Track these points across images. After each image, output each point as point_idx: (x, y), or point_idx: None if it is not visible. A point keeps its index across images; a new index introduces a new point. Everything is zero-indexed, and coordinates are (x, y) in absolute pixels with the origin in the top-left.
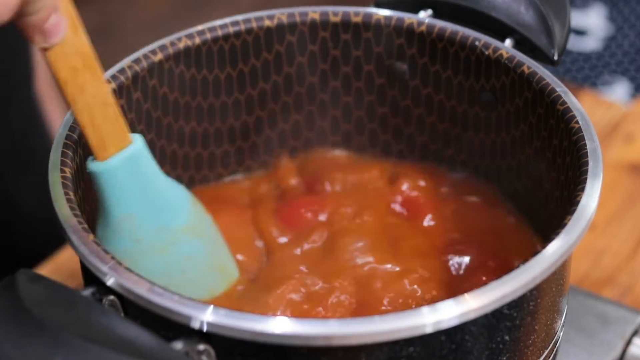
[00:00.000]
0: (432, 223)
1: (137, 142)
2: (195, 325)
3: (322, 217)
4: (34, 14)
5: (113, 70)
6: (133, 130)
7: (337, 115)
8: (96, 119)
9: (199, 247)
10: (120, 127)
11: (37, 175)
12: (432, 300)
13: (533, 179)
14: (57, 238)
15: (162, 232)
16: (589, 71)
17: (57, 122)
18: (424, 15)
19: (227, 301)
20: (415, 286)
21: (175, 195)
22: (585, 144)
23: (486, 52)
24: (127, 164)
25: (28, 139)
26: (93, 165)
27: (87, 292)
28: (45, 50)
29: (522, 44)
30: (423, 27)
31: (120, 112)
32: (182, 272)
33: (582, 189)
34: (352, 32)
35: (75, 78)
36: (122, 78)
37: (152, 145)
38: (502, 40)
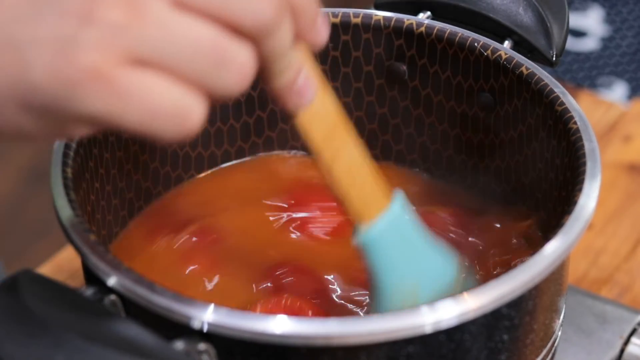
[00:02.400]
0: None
1: (398, 201)
2: (196, 325)
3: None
4: (281, 76)
5: None
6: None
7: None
8: (356, 182)
9: None
10: (380, 188)
11: None
12: None
13: (531, 179)
14: None
15: (436, 295)
16: (587, 72)
17: None
18: (423, 16)
19: None
20: None
21: (440, 256)
22: (583, 145)
23: (485, 53)
24: (391, 228)
25: None
26: (360, 238)
27: (88, 292)
28: (296, 116)
29: (521, 45)
30: (422, 28)
31: (377, 172)
32: None
33: (581, 189)
34: (351, 33)
35: (331, 142)
36: None
37: (153, 146)
38: (501, 41)
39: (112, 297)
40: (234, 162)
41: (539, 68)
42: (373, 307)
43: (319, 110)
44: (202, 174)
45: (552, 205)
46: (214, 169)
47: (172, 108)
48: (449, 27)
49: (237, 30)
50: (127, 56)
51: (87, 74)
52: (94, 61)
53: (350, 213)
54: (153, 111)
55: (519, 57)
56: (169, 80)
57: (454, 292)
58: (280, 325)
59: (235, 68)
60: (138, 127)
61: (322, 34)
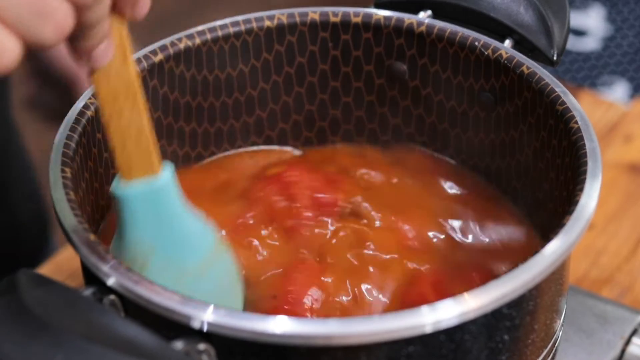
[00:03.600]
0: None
1: (164, 176)
2: (196, 324)
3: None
4: (87, 40)
5: None
6: None
7: (337, 115)
8: (127, 144)
9: (207, 289)
10: (149, 158)
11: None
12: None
13: (532, 179)
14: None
15: (171, 266)
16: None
17: (33, 146)
18: (424, 15)
19: None
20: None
21: (195, 235)
22: (584, 144)
23: (486, 53)
24: (147, 195)
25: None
26: (114, 188)
27: (88, 291)
28: (91, 73)
29: (522, 44)
30: (423, 28)
31: (155, 146)
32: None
33: (581, 189)
34: (352, 32)
35: (114, 102)
36: None
37: None
38: (502, 40)
39: (112, 297)
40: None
41: (540, 67)
42: (113, 249)
43: (111, 75)
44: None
45: (553, 205)
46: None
47: None
48: (449, 27)
49: None
50: None
51: None
52: None
53: (117, 166)
54: None
55: (519, 57)
56: None
57: (202, 270)
58: (280, 325)
59: (53, 22)
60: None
61: (139, 12)
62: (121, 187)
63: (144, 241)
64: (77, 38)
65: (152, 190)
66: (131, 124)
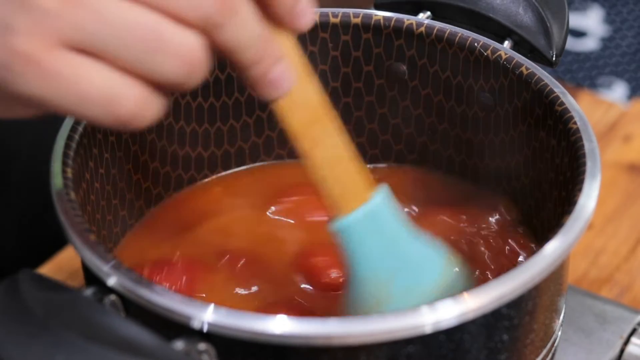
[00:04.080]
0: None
1: (380, 194)
2: (196, 325)
3: None
4: (251, 65)
5: None
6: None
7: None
8: (336, 173)
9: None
10: (361, 181)
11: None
12: None
13: (531, 180)
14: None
15: (410, 293)
16: (587, 72)
17: None
18: (423, 16)
19: None
20: None
21: (425, 252)
22: (583, 145)
23: (485, 53)
24: (368, 219)
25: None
26: (334, 227)
27: (88, 291)
28: (273, 103)
29: (521, 45)
30: (422, 28)
31: (361, 165)
32: None
33: (580, 189)
34: (351, 33)
35: (310, 131)
36: None
37: (153, 146)
38: (501, 41)
39: (112, 297)
40: (234, 169)
41: (539, 68)
42: (346, 298)
43: (297, 99)
44: (206, 180)
45: (552, 205)
46: (216, 175)
47: (100, 93)
48: (448, 27)
49: (182, 20)
50: (61, 41)
51: (20, 57)
52: (27, 45)
53: (327, 203)
54: (82, 95)
55: (518, 57)
56: (102, 65)
57: (441, 291)
58: (280, 325)
59: (175, 55)
60: (71, 110)
61: (303, 19)
62: (342, 219)
63: (379, 273)
64: (240, 68)
65: (370, 211)
66: (332, 149)
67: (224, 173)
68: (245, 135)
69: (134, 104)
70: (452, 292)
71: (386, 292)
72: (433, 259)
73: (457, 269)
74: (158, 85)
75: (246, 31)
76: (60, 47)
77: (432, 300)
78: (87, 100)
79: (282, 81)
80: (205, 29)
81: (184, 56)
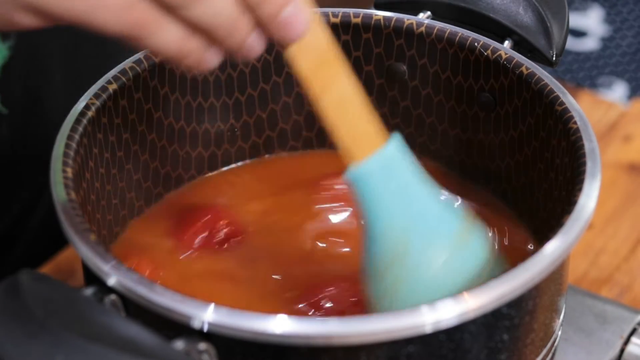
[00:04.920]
0: None
1: (394, 142)
2: (196, 324)
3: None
4: (261, 6)
5: (115, 71)
6: (134, 130)
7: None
8: (346, 119)
9: (469, 260)
10: (373, 127)
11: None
12: None
13: (531, 179)
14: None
15: (426, 249)
16: (587, 72)
17: None
18: (423, 16)
19: None
20: None
21: (441, 205)
22: (583, 145)
23: (485, 53)
24: (383, 166)
25: None
26: (348, 174)
27: (89, 291)
28: (286, 47)
29: (521, 45)
30: (422, 28)
31: (371, 110)
32: (448, 289)
33: (581, 189)
34: (351, 32)
35: (320, 74)
36: (124, 79)
37: (153, 146)
38: (501, 41)
39: (112, 296)
40: (233, 165)
41: (539, 68)
42: (364, 253)
43: (308, 42)
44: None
45: (552, 205)
46: (215, 172)
47: None
48: (449, 27)
49: None
50: None
51: None
52: None
53: (340, 149)
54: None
55: (519, 57)
56: None
57: (458, 248)
58: (280, 325)
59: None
60: (84, 17)
61: (292, 31)
62: (356, 167)
63: (396, 224)
64: (253, 7)
65: (384, 160)
66: (343, 93)
67: (224, 169)
68: (246, 135)
69: (145, 11)
70: (469, 253)
71: (403, 247)
72: (449, 213)
73: (473, 227)
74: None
75: None
76: None
77: (449, 258)
78: (100, 5)
79: (296, 24)
80: None
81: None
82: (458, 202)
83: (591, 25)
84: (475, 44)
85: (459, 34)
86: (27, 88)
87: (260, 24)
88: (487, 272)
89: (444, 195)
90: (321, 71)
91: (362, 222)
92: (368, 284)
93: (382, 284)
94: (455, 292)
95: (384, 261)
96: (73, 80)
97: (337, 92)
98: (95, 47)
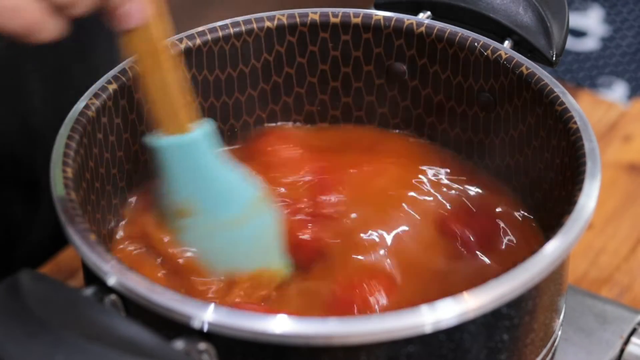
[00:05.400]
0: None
1: (197, 131)
2: (196, 324)
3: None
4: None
5: (115, 70)
6: (134, 130)
7: (337, 115)
8: (160, 100)
9: (246, 240)
10: (180, 115)
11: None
12: None
13: (531, 179)
14: None
15: (209, 217)
16: (587, 72)
17: None
18: (423, 16)
19: None
20: None
21: (232, 188)
22: (583, 145)
23: (485, 53)
24: (177, 146)
25: None
26: (149, 140)
27: (89, 291)
28: (122, 33)
29: (521, 45)
30: (422, 28)
31: (185, 103)
32: (226, 254)
33: (581, 189)
34: (352, 33)
35: (144, 60)
36: (124, 78)
37: None
38: (501, 41)
39: (112, 296)
40: None
41: (539, 68)
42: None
43: (142, 34)
44: None
45: (552, 205)
46: None
47: (6, 2)
48: (449, 27)
49: None
50: None
51: None
52: None
53: (156, 122)
54: None
55: (519, 57)
56: None
57: (245, 220)
58: (280, 325)
59: None
60: None
61: (127, 21)
62: (155, 139)
63: (179, 191)
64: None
65: (182, 142)
66: (162, 82)
67: None
68: (246, 135)
69: (34, 16)
70: (254, 227)
71: (189, 207)
72: (241, 191)
73: (264, 205)
74: (56, 7)
75: None
76: None
77: (241, 219)
78: None
79: (132, 17)
80: None
81: None
82: (257, 183)
83: (591, 25)
84: (475, 44)
85: (459, 34)
86: (9, 107)
87: (105, 10)
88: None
89: (242, 177)
90: (146, 59)
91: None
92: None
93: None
94: (251, 252)
95: (170, 211)
96: (56, 98)
97: (156, 79)
98: (77, 63)
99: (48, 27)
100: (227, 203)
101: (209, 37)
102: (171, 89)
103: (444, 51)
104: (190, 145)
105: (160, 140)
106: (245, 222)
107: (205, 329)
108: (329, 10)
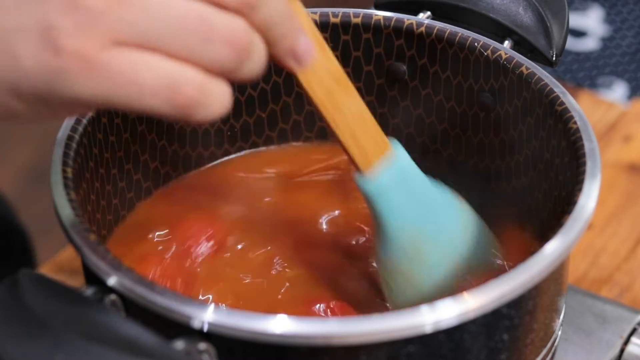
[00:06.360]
0: None
1: (399, 150)
2: (196, 324)
3: None
4: (279, 41)
5: None
6: (134, 130)
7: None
8: (357, 134)
9: (470, 246)
10: (380, 137)
11: None
12: None
13: (531, 179)
14: None
15: (441, 241)
16: (587, 72)
17: None
18: (423, 16)
19: None
20: None
21: (443, 195)
22: (583, 145)
23: (485, 53)
24: (397, 175)
25: None
26: (364, 184)
27: (89, 291)
28: (296, 74)
29: (521, 45)
30: (422, 28)
31: (376, 123)
32: (456, 277)
33: (580, 189)
34: (351, 32)
35: (331, 98)
36: None
37: (153, 145)
38: (501, 41)
39: (113, 296)
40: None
41: (539, 68)
42: (377, 251)
43: (318, 70)
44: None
45: (552, 205)
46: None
47: (159, 82)
48: (449, 27)
49: (223, 6)
50: (112, 39)
51: (71, 59)
52: (77, 47)
53: (353, 161)
54: (142, 87)
55: (519, 57)
56: (157, 57)
57: (461, 235)
58: (280, 325)
59: (224, 38)
60: (129, 104)
61: (304, 61)
62: (369, 180)
63: (408, 226)
64: (270, 44)
65: (399, 168)
66: (353, 112)
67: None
68: (246, 135)
69: (194, 89)
70: (469, 235)
71: (417, 245)
72: (449, 204)
73: (468, 211)
74: (214, 72)
75: (276, 9)
76: (112, 45)
77: (458, 247)
78: (147, 91)
79: (306, 54)
80: (244, 11)
81: (233, 39)
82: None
83: (591, 25)
84: (475, 44)
85: (459, 34)
86: None
87: (277, 56)
88: (483, 250)
89: (445, 190)
90: (333, 93)
91: (375, 222)
92: (382, 277)
93: (396, 279)
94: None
95: (397, 259)
96: None
97: (347, 112)
98: None
99: (213, 98)
100: (448, 216)
101: None
102: (366, 110)
103: (444, 51)
104: (403, 168)
105: (381, 176)
106: (466, 227)
107: (206, 329)
108: (329, 10)
